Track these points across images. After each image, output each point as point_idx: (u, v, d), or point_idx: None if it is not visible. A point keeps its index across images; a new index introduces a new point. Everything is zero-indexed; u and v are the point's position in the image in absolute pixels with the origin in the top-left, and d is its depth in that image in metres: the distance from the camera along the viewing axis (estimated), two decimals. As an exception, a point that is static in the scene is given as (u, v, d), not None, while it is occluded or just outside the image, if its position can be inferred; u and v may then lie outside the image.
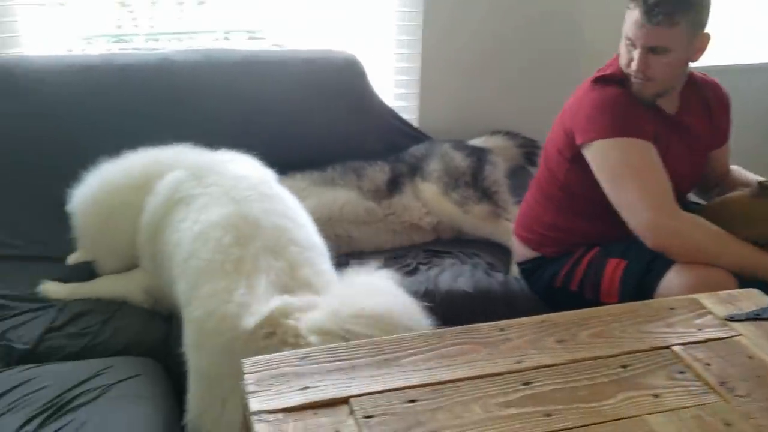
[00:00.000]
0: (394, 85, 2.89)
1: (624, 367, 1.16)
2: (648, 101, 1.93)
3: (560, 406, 1.07)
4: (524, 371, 1.14)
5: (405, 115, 2.84)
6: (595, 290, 1.98)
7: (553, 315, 1.30)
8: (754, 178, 2.13)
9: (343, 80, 2.63)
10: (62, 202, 2.04)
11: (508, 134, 2.85)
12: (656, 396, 1.09)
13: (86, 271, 2.07)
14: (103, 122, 2.29)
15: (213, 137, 2.05)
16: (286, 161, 2.37)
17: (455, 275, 2.19)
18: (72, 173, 2.03)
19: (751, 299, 1.36)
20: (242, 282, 1.50)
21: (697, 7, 1.84)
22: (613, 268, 1.94)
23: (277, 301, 1.46)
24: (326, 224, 2.28)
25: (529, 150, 2.84)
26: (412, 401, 1.07)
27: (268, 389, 1.08)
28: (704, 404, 1.08)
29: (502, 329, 1.25)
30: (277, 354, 1.17)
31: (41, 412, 1.47)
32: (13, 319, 1.84)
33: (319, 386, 1.08)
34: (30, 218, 2.17)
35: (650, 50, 1.84)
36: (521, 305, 2.11)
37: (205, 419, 1.51)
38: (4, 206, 2.18)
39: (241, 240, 1.59)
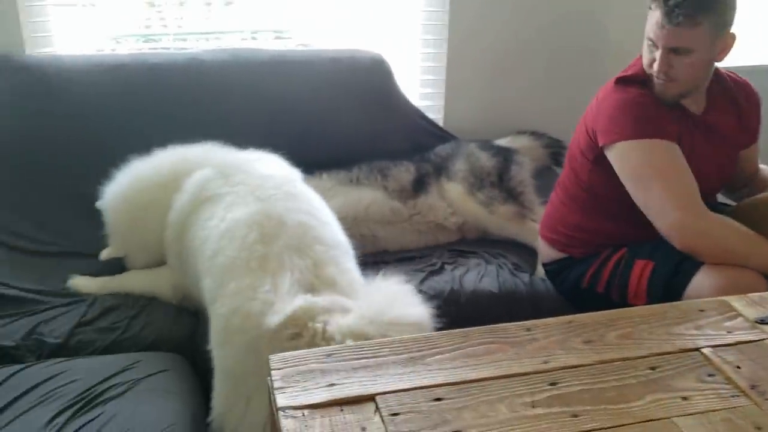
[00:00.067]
0: (419, 85, 2.89)
1: (652, 368, 1.15)
2: (671, 102, 1.92)
3: (587, 407, 1.06)
4: (551, 371, 1.14)
5: (430, 115, 2.84)
6: (622, 292, 1.96)
7: (580, 315, 1.30)
8: None
9: (369, 80, 2.64)
10: (92, 199, 2.08)
11: (534, 134, 2.84)
12: (685, 398, 1.08)
13: (116, 267, 2.10)
14: (132, 121, 2.32)
15: (240, 136, 2.07)
16: (312, 160, 2.39)
17: (480, 275, 2.18)
18: (102, 171, 2.06)
19: (782, 302, 1.34)
20: (267, 280, 1.51)
21: (720, 8, 1.81)
22: (641, 270, 1.92)
23: (300, 301, 1.46)
24: (351, 224, 2.29)
25: (555, 150, 2.83)
26: (438, 399, 1.07)
27: (295, 385, 1.08)
28: (734, 407, 1.06)
29: (528, 329, 1.25)
30: (304, 351, 1.18)
31: (71, 405, 1.49)
32: (44, 313, 1.88)
33: (345, 383, 1.09)
34: (61, 216, 2.21)
35: (672, 51, 1.83)
36: (547, 306, 2.10)
37: (229, 417, 1.52)
38: (37, 204, 2.22)
39: (265, 238, 1.60)
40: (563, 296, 2.14)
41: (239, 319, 1.49)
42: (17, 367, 1.64)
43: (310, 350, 1.17)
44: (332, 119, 2.56)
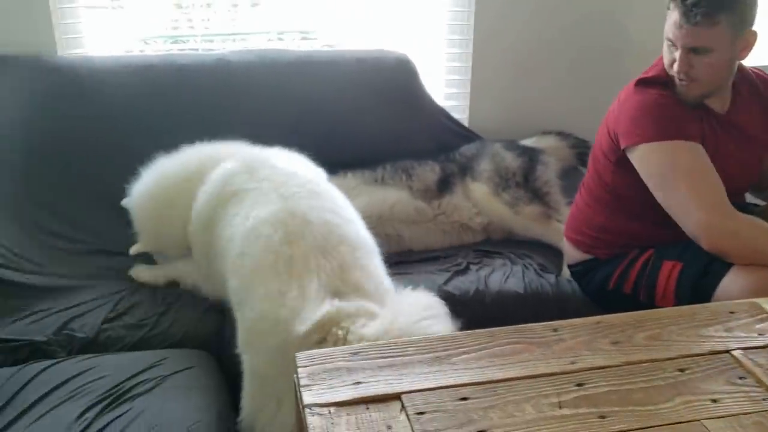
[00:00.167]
0: (444, 85, 2.89)
1: (681, 370, 1.14)
2: (694, 102, 1.90)
3: (615, 408, 1.05)
4: (578, 372, 1.13)
5: (455, 115, 2.83)
6: (650, 293, 1.94)
7: (607, 316, 1.29)
8: None
9: (395, 80, 2.64)
10: (123, 199, 2.11)
11: (560, 134, 2.82)
12: (715, 401, 1.07)
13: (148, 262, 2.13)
14: (161, 120, 2.35)
15: (266, 136, 2.08)
16: (337, 160, 2.39)
17: (506, 276, 2.17)
18: (131, 171, 2.09)
19: (814, 304, 1.32)
20: (294, 284, 1.51)
21: (739, 6, 1.79)
22: (669, 271, 1.91)
23: (327, 307, 1.46)
24: (376, 223, 2.29)
25: (581, 150, 2.80)
26: (464, 399, 1.07)
27: (321, 383, 1.09)
28: (766, 411, 1.05)
29: (555, 329, 1.24)
30: (330, 349, 1.19)
31: (100, 401, 1.51)
32: (74, 308, 1.90)
33: (371, 381, 1.09)
34: (94, 215, 2.24)
35: (691, 51, 1.81)
36: (573, 307, 2.09)
37: (260, 417, 1.53)
38: (71, 203, 2.25)
39: (290, 237, 1.59)
40: (589, 297, 2.13)
41: (268, 325, 1.50)
42: (48, 362, 1.66)
43: (336, 348, 1.19)
44: (358, 119, 2.57)
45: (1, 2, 2.37)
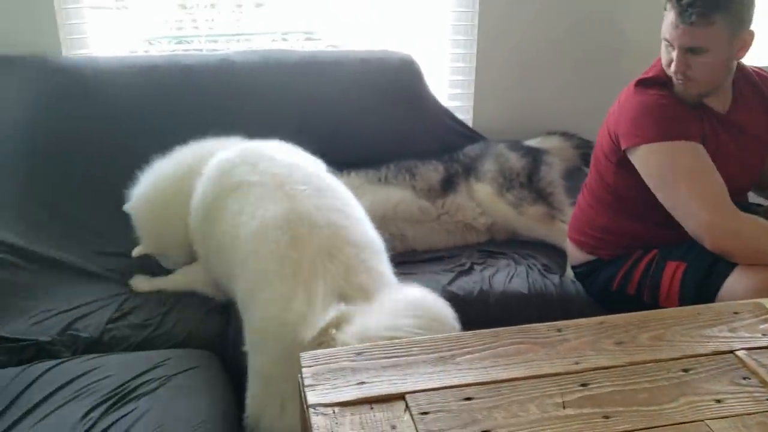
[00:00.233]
0: (448, 85, 2.89)
1: (685, 371, 1.14)
2: (693, 102, 1.90)
3: (619, 408, 1.05)
4: (582, 372, 1.13)
5: (460, 115, 2.83)
6: (654, 294, 1.94)
7: (611, 317, 1.29)
8: None
9: (399, 80, 2.64)
10: (126, 200, 2.11)
11: (565, 135, 2.82)
12: (719, 401, 1.07)
13: (151, 265, 2.13)
14: (165, 121, 2.35)
15: (271, 136, 2.08)
16: (342, 160, 2.39)
17: (510, 276, 2.17)
18: (134, 171, 2.10)
19: (819, 304, 1.32)
20: (300, 289, 1.51)
21: (735, 6, 1.79)
22: (673, 271, 1.90)
23: (334, 313, 1.46)
24: (380, 223, 2.28)
25: (585, 151, 2.80)
26: (468, 399, 1.07)
27: (325, 383, 1.09)
28: (770, 411, 1.05)
29: (559, 330, 1.24)
30: (334, 349, 1.19)
31: (105, 401, 1.51)
32: (78, 309, 1.90)
33: (375, 381, 1.09)
34: (97, 216, 2.24)
35: (688, 51, 1.81)
36: (577, 308, 2.09)
37: (263, 417, 1.54)
38: (74, 204, 2.25)
39: (297, 242, 1.59)
40: (593, 298, 2.13)
41: (274, 328, 1.50)
42: (52, 362, 1.67)
43: (340, 348, 1.18)
44: (362, 120, 2.57)
45: (5, 3, 2.38)
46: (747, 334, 1.23)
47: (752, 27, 1.84)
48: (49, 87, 2.33)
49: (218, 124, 2.32)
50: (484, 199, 2.47)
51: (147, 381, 1.58)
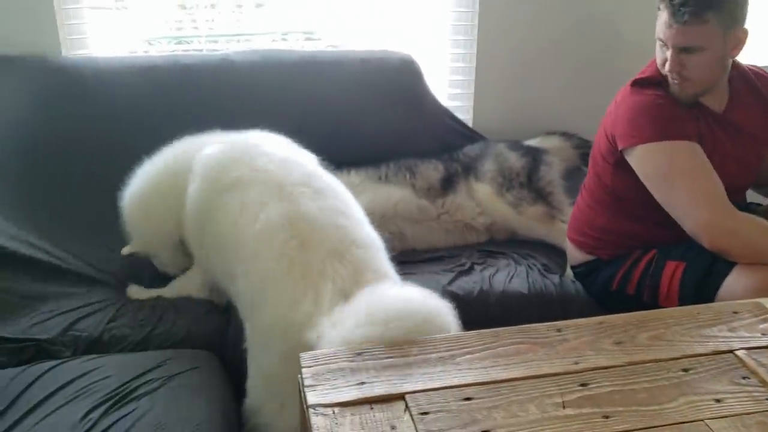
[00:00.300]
0: (448, 85, 2.89)
1: (685, 370, 1.14)
2: (689, 101, 1.90)
3: (619, 408, 1.06)
4: (581, 372, 1.14)
5: (460, 115, 2.83)
6: (653, 293, 1.94)
7: (611, 316, 1.29)
8: None
9: (399, 80, 2.64)
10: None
11: (565, 135, 2.82)
12: (718, 401, 1.07)
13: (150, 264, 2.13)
14: (165, 121, 2.35)
15: (271, 135, 2.09)
16: (341, 160, 2.40)
17: (510, 276, 2.17)
18: (134, 171, 2.09)
19: (818, 304, 1.33)
20: (309, 289, 1.50)
21: (728, 4, 1.79)
22: (672, 271, 1.90)
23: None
24: (380, 221, 2.29)
25: (585, 151, 2.79)
26: (468, 399, 1.07)
27: (325, 383, 1.09)
28: (769, 410, 1.05)
29: (559, 330, 1.24)
30: (334, 349, 1.19)
31: (105, 401, 1.51)
32: (79, 310, 1.90)
33: (375, 382, 1.10)
34: (97, 216, 2.24)
35: (682, 50, 1.82)
36: (577, 308, 2.09)
37: (261, 415, 1.54)
38: (74, 204, 2.25)
39: (305, 243, 1.58)
40: (593, 298, 2.13)
41: (280, 329, 1.49)
42: (52, 363, 1.67)
43: (340, 349, 1.19)
44: (362, 120, 2.57)
45: (5, 3, 2.38)
46: (747, 334, 1.23)
47: (746, 25, 1.84)
48: (49, 87, 2.32)
49: (218, 123, 2.31)
50: (483, 199, 2.47)
51: (147, 381, 1.57)
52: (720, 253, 1.81)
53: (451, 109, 2.81)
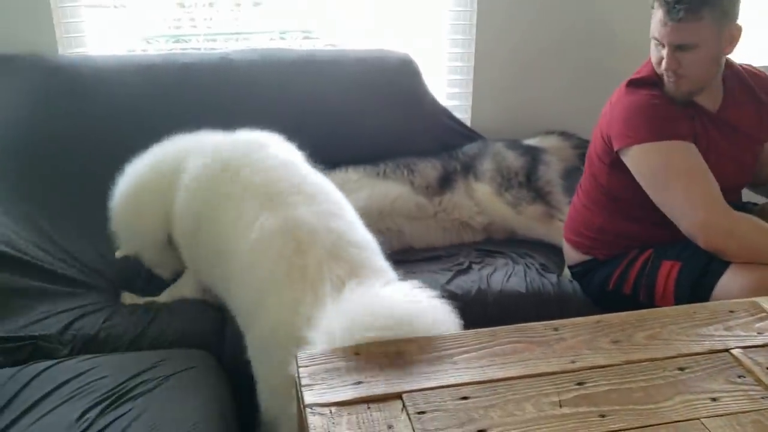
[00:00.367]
0: (447, 85, 2.89)
1: (681, 369, 1.14)
2: (684, 100, 1.90)
3: (615, 407, 1.06)
4: (578, 371, 1.14)
5: (458, 115, 2.83)
6: (649, 293, 1.95)
7: (607, 315, 1.29)
8: None
9: (397, 80, 2.64)
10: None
11: (564, 134, 2.82)
12: (714, 400, 1.07)
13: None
14: (163, 120, 2.33)
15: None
16: (340, 159, 2.40)
17: (508, 275, 2.17)
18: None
19: (814, 303, 1.33)
20: (308, 292, 1.50)
21: (722, 0, 1.80)
22: (668, 271, 1.91)
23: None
24: (377, 217, 2.30)
25: (583, 151, 2.78)
26: (465, 398, 1.07)
27: (322, 383, 1.09)
28: (765, 409, 1.05)
29: (556, 329, 1.25)
30: (331, 348, 1.19)
31: (101, 401, 1.51)
32: (77, 309, 1.90)
33: (372, 381, 1.10)
34: (95, 215, 2.23)
35: (678, 48, 1.82)
36: (574, 307, 2.09)
37: (280, 423, 1.54)
38: (72, 203, 2.25)
39: (301, 247, 1.58)
40: (590, 298, 2.13)
41: (283, 334, 1.48)
42: (48, 362, 1.66)
43: (337, 348, 1.18)
44: (360, 119, 2.57)
45: (1, 1, 2.37)
46: (742, 333, 1.24)
47: (742, 23, 1.85)
48: (46, 86, 2.32)
49: (216, 122, 2.31)
50: (482, 199, 2.47)
51: (143, 381, 1.57)
52: (716, 252, 1.82)
53: (450, 109, 2.81)
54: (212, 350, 1.84)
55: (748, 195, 2.21)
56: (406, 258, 2.26)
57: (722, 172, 1.87)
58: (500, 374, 1.12)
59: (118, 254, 2.05)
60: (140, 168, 2.00)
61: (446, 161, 2.55)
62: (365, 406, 1.05)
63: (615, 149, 1.92)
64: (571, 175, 2.67)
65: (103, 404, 1.50)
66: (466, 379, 1.11)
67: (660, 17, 1.82)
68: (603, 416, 1.04)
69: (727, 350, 1.19)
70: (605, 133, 1.97)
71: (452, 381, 1.11)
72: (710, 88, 1.93)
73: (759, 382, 1.11)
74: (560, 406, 1.06)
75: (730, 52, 1.89)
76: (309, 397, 1.06)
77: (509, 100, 2.90)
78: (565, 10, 2.82)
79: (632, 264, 2.00)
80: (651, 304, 1.92)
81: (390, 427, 1.01)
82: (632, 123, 1.88)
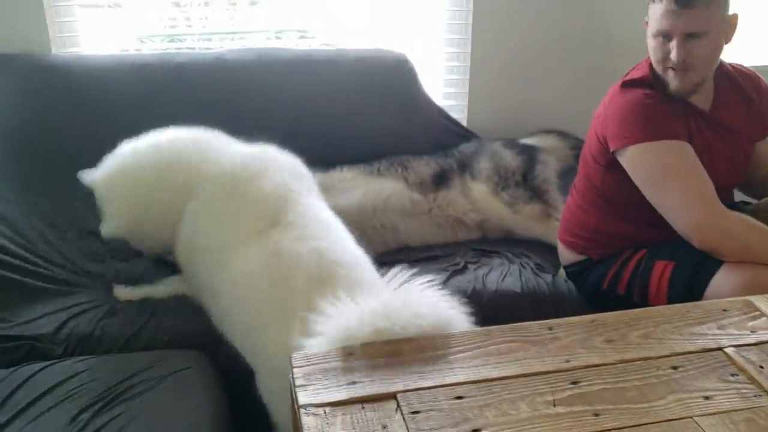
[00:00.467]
0: (443, 84, 2.89)
1: (675, 368, 1.14)
2: (687, 95, 1.91)
3: (609, 406, 1.06)
4: (572, 370, 1.14)
5: (454, 115, 2.83)
6: (643, 293, 1.95)
7: (602, 315, 1.30)
8: None
9: (393, 79, 2.64)
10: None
11: (560, 134, 2.82)
12: (707, 398, 1.08)
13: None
14: (158, 120, 2.32)
15: (264, 134, 2.08)
16: (335, 159, 2.40)
17: (503, 275, 2.17)
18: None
19: (807, 302, 1.33)
20: (296, 324, 1.48)
21: None
22: (661, 270, 1.91)
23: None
24: (371, 215, 2.31)
25: (580, 152, 2.80)
26: (459, 398, 1.07)
27: (316, 383, 1.09)
28: (757, 407, 1.06)
29: (550, 328, 1.25)
30: (326, 349, 1.19)
31: (95, 402, 1.50)
32: (72, 308, 1.89)
33: (367, 381, 1.10)
34: (89, 215, 2.23)
35: (688, 36, 1.82)
36: (569, 307, 2.08)
37: None
38: (66, 204, 2.24)
39: (281, 282, 1.59)
40: (585, 298, 2.13)
41: (283, 378, 1.47)
42: (43, 364, 1.65)
43: (332, 349, 1.18)
44: (356, 119, 2.57)
45: (-7, 1, 2.37)
46: (735, 332, 1.24)
47: (743, 23, 1.87)
48: (39, 86, 2.31)
49: (212, 122, 2.31)
50: (479, 198, 2.47)
51: (138, 383, 1.57)
52: (710, 252, 1.82)
53: (446, 108, 2.81)
54: (207, 351, 1.83)
55: (737, 195, 2.22)
56: (402, 258, 2.26)
57: (716, 171, 1.87)
58: (495, 374, 1.13)
59: (105, 232, 1.98)
60: (143, 151, 1.95)
61: (441, 159, 2.55)
62: (359, 406, 1.05)
63: (611, 150, 1.92)
64: (567, 174, 2.67)
65: (98, 405, 1.49)
66: (460, 378, 1.11)
67: (664, 9, 1.81)
68: (597, 415, 1.04)
69: (720, 349, 1.19)
70: (601, 134, 1.97)
71: (447, 380, 1.11)
72: (703, 87, 1.94)
73: (752, 380, 1.11)
74: (554, 406, 1.06)
75: (730, 40, 1.90)
76: (303, 397, 1.06)
77: (505, 100, 2.90)
78: (561, 10, 2.82)
79: (626, 264, 2.00)
80: (645, 303, 1.92)
81: (384, 427, 1.01)
82: (628, 123, 1.88)
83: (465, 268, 2.23)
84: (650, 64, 1.95)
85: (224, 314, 1.73)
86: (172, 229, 1.88)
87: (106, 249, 2.16)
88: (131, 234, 1.97)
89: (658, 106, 1.88)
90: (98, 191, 1.97)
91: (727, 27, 1.86)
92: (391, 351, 1.17)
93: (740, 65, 2.08)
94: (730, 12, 1.86)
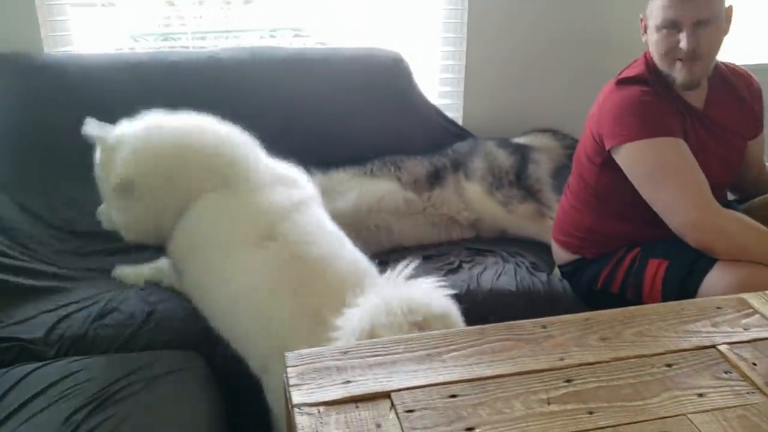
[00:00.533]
0: (438, 83, 2.89)
1: (668, 366, 1.14)
2: (694, 86, 1.91)
3: (603, 404, 1.06)
4: (567, 368, 1.14)
5: (449, 114, 2.84)
6: (637, 291, 1.95)
7: (596, 313, 1.29)
8: None
9: (388, 78, 2.64)
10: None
11: (554, 133, 2.82)
12: (701, 395, 1.08)
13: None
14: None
15: (259, 133, 2.08)
16: (330, 159, 2.40)
17: (498, 274, 2.17)
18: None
19: (800, 299, 1.33)
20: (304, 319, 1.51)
21: None
22: (655, 269, 1.91)
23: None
24: (366, 215, 2.31)
25: (573, 151, 2.81)
26: (453, 396, 1.07)
27: (310, 382, 1.09)
28: (750, 404, 1.06)
29: (544, 326, 1.24)
30: (320, 348, 1.18)
31: (88, 403, 1.49)
32: (65, 308, 1.89)
33: (361, 380, 1.09)
34: (82, 214, 2.23)
35: (696, 24, 1.83)
36: (564, 305, 2.09)
37: None
38: (58, 203, 2.24)
39: (276, 295, 1.60)
40: (579, 296, 2.13)
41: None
42: (35, 364, 1.65)
43: (326, 348, 1.18)
44: (351, 118, 2.57)
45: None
46: (729, 329, 1.24)
47: (744, 24, 1.88)
48: (32, 85, 2.31)
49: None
50: (474, 199, 2.47)
51: (132, 383, 1.56)
52: (705, 250, 1.82)
53: (441, 107, 2.81)
54: (203, 352, 1.83)
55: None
56: (397, 258, 2.25)
57: (709, 170, 1.87)
58: (489, 372, 1.12)
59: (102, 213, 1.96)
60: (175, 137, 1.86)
61: (435, 158, 2.55)
62: (354, 405, 1.05)
63: (607, 148, 1.92)
64: (560, 173, 2.68)
65: (91, 406, 1.49)
66: (454, 377, 1.11)
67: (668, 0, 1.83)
68: (591, 413, 1.04)
69: (713, 346, 1.19)
70: (596, 133, 1.96)
71: (441, 379, 1.10)
72: (698, 85, 1.94)
73: (745, 377, 1.11)
74: (549, 404, 1.06)
75: (727, 32, 1.91)
76: (297, 396, 1.06)
77: (501, 99, 2.90)
78: (557, 10, 2.83)
79: (620, 263, 2.01)
80: (639, 302, 1.92)
81: (378, 426, 1.01)
82: (624, 120, 1.88)
83: (459, 267, 2.23)
84: (646, 62, 1.95)
85: (225, 315, 1.72)
86: (173, 215, 1.82)
87: (100, 248, 2.16)
88: (139, 193, 1.81)
89: (655, 103, 1.88)
90: (122, 139, 1.86)
91: (726, 17, 1.87)
92: (385, 349, 1.17)
93: (732, 64, 2.09)
94: (726, 4, 1.88)
